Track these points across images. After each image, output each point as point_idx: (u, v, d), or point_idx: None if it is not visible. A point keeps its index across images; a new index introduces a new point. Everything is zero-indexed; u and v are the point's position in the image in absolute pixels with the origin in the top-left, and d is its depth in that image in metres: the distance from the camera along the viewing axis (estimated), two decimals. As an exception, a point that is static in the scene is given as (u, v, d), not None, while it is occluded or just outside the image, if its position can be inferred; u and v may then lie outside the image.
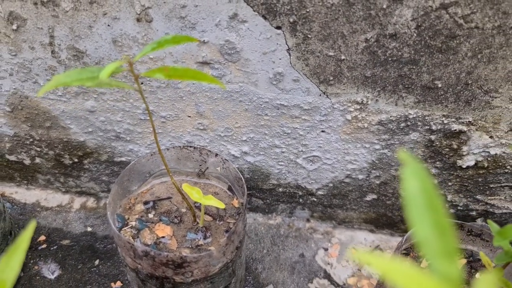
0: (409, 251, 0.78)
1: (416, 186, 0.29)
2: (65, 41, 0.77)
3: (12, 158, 1.00)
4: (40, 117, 0.90)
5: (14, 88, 0.86)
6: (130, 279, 0.79)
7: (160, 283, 0.72)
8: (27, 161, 1.01)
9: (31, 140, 0.95)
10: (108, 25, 0.74)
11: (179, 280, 0.71)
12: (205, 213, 0.78)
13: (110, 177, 1.02)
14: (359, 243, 1.05)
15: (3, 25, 0.76)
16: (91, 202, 1.08)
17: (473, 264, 0.78)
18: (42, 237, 1.00)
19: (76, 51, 0.78)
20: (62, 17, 0.73)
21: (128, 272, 0.78)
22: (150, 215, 0.79)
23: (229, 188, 0.83)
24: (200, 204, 0.80)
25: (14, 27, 0.76)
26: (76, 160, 0.99)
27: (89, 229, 1.03)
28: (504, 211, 0.96)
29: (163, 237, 0.75)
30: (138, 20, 0.72)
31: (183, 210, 0.80)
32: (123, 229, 0.75)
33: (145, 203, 0.80)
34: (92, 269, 0.96)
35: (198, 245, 0.75)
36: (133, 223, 0.77)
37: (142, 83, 0.82)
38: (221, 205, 0.69)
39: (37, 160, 1.00)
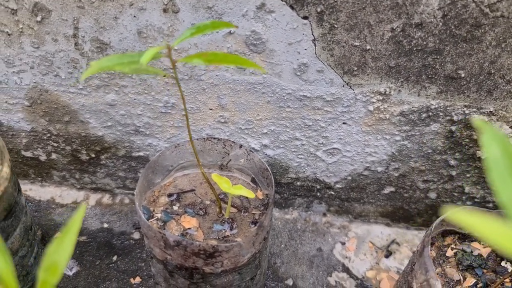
0: (434, 241, 0.78)
1: (497, 150, 0.30)
2: (89, 32, 0.77)
3: (28, 154, 1.00)
4: (59, 111, 0.90)
5: (34, 82, 0.85)
6: (155, 272, 0.79)
7: (189, 274, 0.71)
8: (42, 157, 1.00)
9: (48, 135, 0.95)
10: (134, 16, 0.74)
11: (208, 271, 0.70)
12: (230, 208, 0.78)
13: (126, 173, 1.02)
14: (376, 236, 1.05)
15: (27, 17, 0.75)
16: (106, 198, 1.07)
17: (499, 252, 0.78)
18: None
19: (100, 43, 0.78)
20: (88, 8, 0.73)
21: (153, 265, 0.77)
22: (175, 207, 0.78)
23: (252, 180, 0.83)
24: (224, 196, 0.80)
25: (39, 18, 0.75)
26: (93, 155, 0.98)
27: (105, 225, 1.02)
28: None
29: (189, 228, 0.75)
30: (165, 10, 0.72)
31: (207, 202, 0.80)
32: (149, 221, 0.75)
33: (169, 195, 0.80)
34: (110, 265, 0.95)
35: (225, 236, 0.74)
36: (159, 215, 0.76)
37: (164, 76, 0.82)
38: (251, 195, 0.69)
39: (53, 156, 0.99)
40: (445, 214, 0.35)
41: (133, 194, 1.07)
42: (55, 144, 0.97)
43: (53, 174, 1.04)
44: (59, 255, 0.42)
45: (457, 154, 0.89)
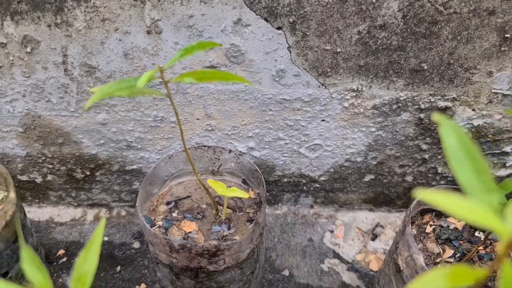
0: (414, 220, 0.86)
1: (454, 140, 0.36)
2: (77, 58, 0.81)
3: (24, 178, 1.03)
4: (53, 135, 0.94)
5: (27, 109, 0.89)
6: (161, 276, 0.84)
7: (194, 274, 0.77)
8: (38, 180, 1.04)
9: (43, 158, 0.99)
10: (120, 40, 0.79)
11: (212, 269, 0.76)
12: (226, 209, 0.84)
13: (121, 186, 1.06)
14: (361, 222, 1.12)
15: (17, 49, 0.80)
16: (103, 212, 1.11)
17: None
18: (61, 251, 1.04)
19: (89, 67, 0.82)
20: (75, 36, 0.78)
21: (159, 270, 0.83)
22: (174, 214, 0.84)
23: (244, 181, 0.89)
24: (219, 199, 0.86)
25: (28, 49, 0.80)
26: (88, 173, 1.02)
27: (105, 238, 1.07)
28: (489, 177, 1.06)
29: (190, 232, 0.80)
30: (148, 32, 0.78)
31: (204, 206, 0.85)
32: (152, 229, 0.80)
33: (167, 203, 0.85)
34: (115, 275, 1.00)
35: (224, 236, 0.80)
36: (160, 223, 0.82)
37: (161, 96, 0.87)
38: (246, 195, 0.75)
39: (49, 177, 1.03)
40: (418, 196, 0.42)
41: (129, 206, 1.12)
42: (50, 166, 1.01)
43: (49, 195, 1.08)
44: (87, 267, 0.48)
45: (427, 139, 0.97)
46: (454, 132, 0.37)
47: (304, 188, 1.08)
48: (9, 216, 0.74)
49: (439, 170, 1.03)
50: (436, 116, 0.38)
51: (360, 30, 0.78)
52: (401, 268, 0.78)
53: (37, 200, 1.10)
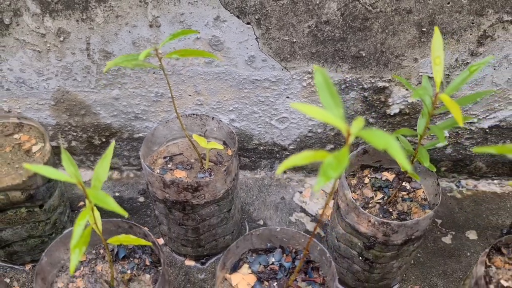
0: (355, 173, 1.10)
1: (321, 79, 0.61)
2: (97, 46, 1.08)
3: (53, 144, 1.30)
4: (77, 107, 1.21)
5: (58, 86, 1.16)
6: (158, 213, 1.09)
7: (182, 207, 1.02)
8: (64, 145, 1.31)
9: (69, 127, 1.25)
10: (129, 32, 1.05)
11: (195, 203, 1.01)
12: (209, 161, 1.09)
13: (130, 152, 1.32)
14: (326, 185, 1.37)
15: (53, 38, 1.07)
16: (115, 174, 1.38)
17: (400, 176, 1.10)
18: (81, 203, 1.30)
19: (106, 53, 1.09)
20: (96, 28, 1.04)
21: (156, 207, 1.08)
22: (169, 165, 1.09)
23: (224, 143, 1.14)
24: (204, 155, 1.11)
25: (61, 39, 1.06)
26: (104, 140, 1.29)
27: (116, 194, 1.33)
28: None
29: (180, 177, 1.06)
30: (151, 26, 1.04)
31: (192, 160, 1.11)
32: (151, 171, 1.05)
33: (164, 158, 1.11)
34: (124, 221, 1.26)
35: (206, 181, 1.05)
36: (158, 171, 1.07)
37: (154, 73, 1.13)
38: (220, 147, 1.00)
39: (73, 143, 1.30)
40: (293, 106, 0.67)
41: (136, 170, 1.38)
42: (74, 134, 1.27)
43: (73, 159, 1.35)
44: (101, 171, 0.73)
45: (373, 113, 1.21)
46: (322, 75, 0.61)
47: (277, 155, 1.33)
48: (46, 160, 1.00)
49: (386, 141, 1.27)
50: (314, 66, 0.63)
51: (310, 25, 1.03)
52: (340, 206, 1.02)
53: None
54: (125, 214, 0.60)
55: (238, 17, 1.02)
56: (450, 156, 1.32)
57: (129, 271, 0.90)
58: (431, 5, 0.99)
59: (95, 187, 0.69)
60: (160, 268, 0.89)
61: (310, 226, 1.27)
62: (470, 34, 1.05)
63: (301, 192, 1.35)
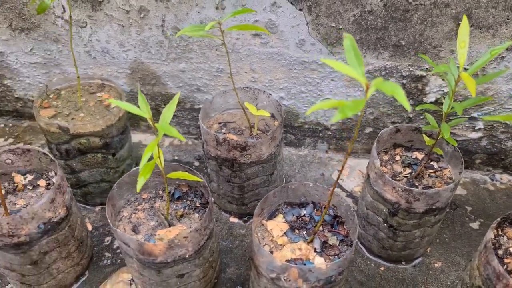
0: (387, 151, 1.21)
1: (349, 43, 0.74)
2: (171, 23, 1.26)
3: (126, 109, 1.50)
4: (149, 77, 1.40)
5: (135, 57, 1.36)
6: (210, 171, 1.26)
7: (231, 164, 1.18)
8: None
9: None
10: (198, 12, 1.23)
11: (242, 161, 1.17)
12: (257, 129, 1.25)
13: (190, 121, 1.50)
14: (363, 166, 1.48)
15: (135, 15, 1.26)
16: (176, 141, 1.56)
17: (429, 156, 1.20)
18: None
19: (177, 30, 1.27)
20: (171, 8, 1.23)
21: (209, 165, 1.24)
22: (223, 130, 1.26)
23: (272, 116, 1.29)
24: (254, 123, 1.27)
25: (142, 15, 1.26)
26: (168, 108, 1.47)
27: (176, 157, 1.51)
28: (463, 138, 1.38)
29: (232, 139, 1.22)
30: (217, 8, 1.21)
31: (243, 128, 1.27)
32: (208, 130, 1.22)
33: (219, 123, 1.27)
34: (180, 180, 1.43)
35: (253, 142, 1.20)
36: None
37: (216, 50, 1.30)
38: (267, 114, 1.15)
39: (143, 110, 1.50)
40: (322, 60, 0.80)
41: (194, 138, 1.56)
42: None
43: (141, 124, 1.55)
44: (167, 113, 0.90)
45: (410, 101, 1.32)
46: (350, 40, 0.75)
47: (320, 134, 1.46)
48: (121, 114, 1.20)
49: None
50: (344, 33, 0.77)
51: (355, 14, 1.17)
52: (369, 175, 1.14)
53: (132, 128, 1.57)
54: (183, 139, 0.76)
55: (292, 3, 1.17)
56: (485, 148, 1.40)
57: (181, 209, 1.06)
58: (467, 0, 1.10)
59: (163, 121, 0.86)
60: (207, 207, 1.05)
61: (344, 200, 1.39)
62: (506, 29, 1.14)
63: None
